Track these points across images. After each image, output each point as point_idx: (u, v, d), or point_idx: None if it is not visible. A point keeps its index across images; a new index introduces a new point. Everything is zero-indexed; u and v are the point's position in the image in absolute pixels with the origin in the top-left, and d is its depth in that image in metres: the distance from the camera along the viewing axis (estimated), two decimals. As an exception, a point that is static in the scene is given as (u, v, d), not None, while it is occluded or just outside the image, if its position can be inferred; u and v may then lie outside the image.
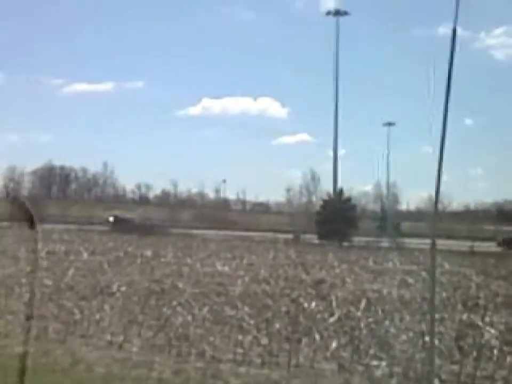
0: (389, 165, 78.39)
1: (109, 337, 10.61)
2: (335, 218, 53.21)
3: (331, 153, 68.80)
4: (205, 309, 12.91)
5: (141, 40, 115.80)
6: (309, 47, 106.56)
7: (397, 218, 68.29)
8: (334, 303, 14.10)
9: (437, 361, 9.42)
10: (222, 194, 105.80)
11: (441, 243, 41.22)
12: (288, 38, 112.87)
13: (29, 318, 11.22)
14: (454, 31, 6.04)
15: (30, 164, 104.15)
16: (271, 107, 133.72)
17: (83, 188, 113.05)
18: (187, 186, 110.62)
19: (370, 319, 12.34)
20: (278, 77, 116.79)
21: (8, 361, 8.74)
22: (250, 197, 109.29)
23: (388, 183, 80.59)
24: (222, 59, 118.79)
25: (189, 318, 11.97)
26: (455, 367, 9.16)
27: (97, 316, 11.95)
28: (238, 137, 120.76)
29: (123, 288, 15.40)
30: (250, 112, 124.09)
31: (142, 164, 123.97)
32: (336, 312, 12.92)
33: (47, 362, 9.05)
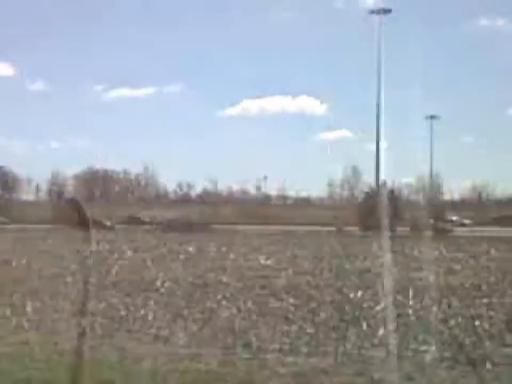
0: (431, 157, 77.68)
1: (154, 331, 10.59)
2: (377, 210, 52.79)
3: (370, 147, 68.39)
4: (250, 302, 12.88)
5: (179, 43, 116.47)
6: (347, 44, 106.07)
7: (442, 208, 67.60)
8: (379, 292, 13.97)
9: (488, 344, 9.26)
10: (263, 191, 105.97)
11: (487, 230, 40.76)
12: (326, 36, 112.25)
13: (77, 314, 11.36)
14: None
15: (73, 168, 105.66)
16: (310, 105, 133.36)
17: (125, 189, 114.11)
18: (228, 184, 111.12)
19: (418, 306, 12.21)
20: (317, 76, 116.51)
21: (57, 357, 8.82)
22: (292, 193, 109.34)
23: (431, 174, 79.93)
24: (260, 60, 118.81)
25: (234, 310, 11.96)
26: (508, 350, 8.95)
27: (142, 312, 11.98)
28: (278, 136, 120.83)
29: (167, 284, 15.47)
30: (289, 111, 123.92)
31: (183, 164, 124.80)
32: (382, 300, 12.79)
33: (95, 357, 9.06)
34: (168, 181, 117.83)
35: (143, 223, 63.25)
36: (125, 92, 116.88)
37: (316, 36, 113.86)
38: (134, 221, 64.51)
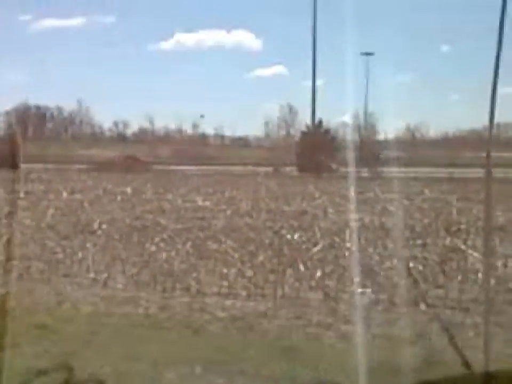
0: (366, 95, 78.12)
1: (92, 275, 10.53)
2: (314, 150, 53.10)
3: (307, 84, 68.24)
4: (188, 244, 12.89)
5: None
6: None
7: (376, 148, 68.27)
8: (317, 234, 14.14)
9: (422, 286, 9.49)
10: (200, 130, 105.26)
11: (422, 171, 41.41)
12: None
13: (9, 259, 11.18)
14: None
15: (2, 104, 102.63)
16: (245, 39, 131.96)
17: (59, 127, 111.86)
18: (165, 122, 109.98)
19: (354, 248, 12.39)
20: (251, 8, 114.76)
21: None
22: (229, 132, 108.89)
23: (366, 113, 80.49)
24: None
25: (173, 253, 11.96)
26: (441, 291, 9.19)
27: (80, 255, 11.87)
28: (213, 71, 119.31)
29: (104, 226, 15.34)
30: (225, 45, 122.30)
31: (118, 101, 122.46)
32: (319, 242, 12.95)
33: (31, 302, 8.97)
34: (104, 120, 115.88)
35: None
36: (52, 22, 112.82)
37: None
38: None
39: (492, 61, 6.25)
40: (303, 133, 61.81)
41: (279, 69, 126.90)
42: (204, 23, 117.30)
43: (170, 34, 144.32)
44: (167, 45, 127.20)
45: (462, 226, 14.75)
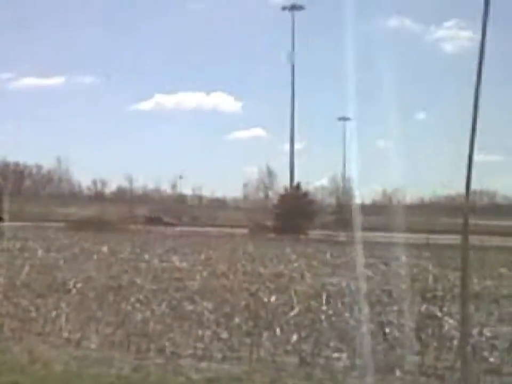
0: (344, 160, 79.04)
1: (66, 334, 10.40)
2: (292, 213, 53.29)
3: (285, 147, 69.01)
4: (164, 305, 12.81)
5: (90, 32, 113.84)
6: (262, 41, 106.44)
7: (353, 212, 68.58)
8: (293, 297, 14.10)
9: (398, 352, 9.47)
10: (178, 190, 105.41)
11: (398, 236, 41.59)
12: (242, 31, 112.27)
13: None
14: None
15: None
16: (224, 102, 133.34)
17: (38, 184, 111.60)
18: (143, 182, 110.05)
19: (330, 312, 12.37)
20: (231, 72, 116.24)
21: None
22: (207, 193, 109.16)
23: (343, 177, 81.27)
24: (172, 53, 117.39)
25: (148, 314, 11.86)
26: (417, 358, 9.17)
27: (54, 313, 11.74)
28: (192, 133, 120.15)
29: (79, 285, 15.21)
30: (203, 107, 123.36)
31: (97, 160, 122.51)
32: (296, 305, 12.91)
33: (3, 361, 8.84)
34: (82, 178, 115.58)
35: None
36: (32, 81, 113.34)
37: (231, 30, 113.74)
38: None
39: (467, 129, 6.41)
40: (281, 196, 62.01)
41: (257, 131, 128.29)
42: (183, 85, 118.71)
43: (150, 95, 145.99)
44: (146, 105, 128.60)
45: (438, 293, 14.80)
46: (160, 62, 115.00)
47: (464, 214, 6.85)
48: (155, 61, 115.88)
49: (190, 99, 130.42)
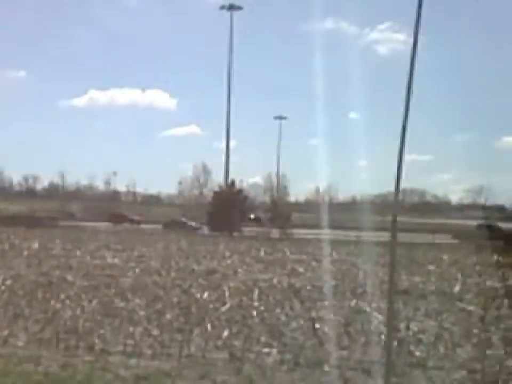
0: (279, 158, 79.53)
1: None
2: (226, 210, 53.40)
3: (220, 145, 69.24)
4: (94, 302, 12.67)
5: (24, 28, 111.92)
6: (199, 39, 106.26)
7: (287, 210, 69.10)
8: (226, 293, 14.12)
9: (327, 347, 9.60)
10: (112, 187, 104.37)
11: (330, 233, 42.03)
12: (178, 29, 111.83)
13: None
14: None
15: None
16: (159, 99, 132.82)
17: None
18: (76, 178, 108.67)
19: (262, 308, 12.44)
20: (167, 69, 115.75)
21: None
22: (141, 189, 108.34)
23: (278, 175, 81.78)
24: (107, 49, 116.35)
25: (78, 311, 11.72)
26: (345, 353, 9.32)
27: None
28: (127, 129, 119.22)
29: (8, 282, 14.92)
30: (139, 104, 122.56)
31: (29, 156, 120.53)
32: (228, 301, 12.94)
33: None
34: (13, 174, 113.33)
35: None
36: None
37: (167, 27, 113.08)
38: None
39: (398, 129, 6.53)
40: (216, 193, 62.08)
41: (193, 129, 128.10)
42: (118, 81, 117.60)
43: (84, 91, 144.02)
44: (80, 101, 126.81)
45: (368, 289, 15.01)
46: (95, 58, 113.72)
47: (392, 212, 6.99)
48: (89, 56, 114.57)
49: (124, 95, 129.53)
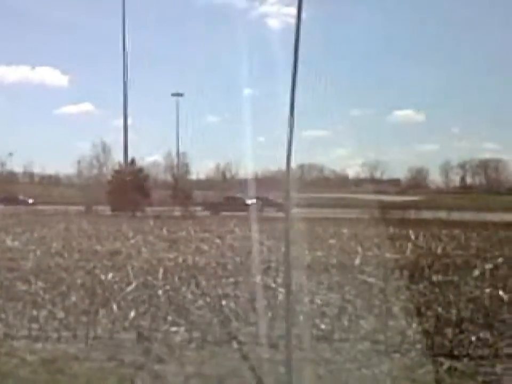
0: (178, 135, 79.06)
1: None
2: (128, 189, 52.82)
3: (116, 123, 68.20)
4: (-5, 286, 12.40)
5: None
6: (90, 12, 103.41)
7: (188, 187, 68.97)
8: (130, 273, 14.06)
9: (234, 324, 9.73)
10: (8, 168, 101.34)
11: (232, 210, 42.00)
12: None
13: None
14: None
15: None
16: (50, 76, 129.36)
17: None
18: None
19: (168, 287, 12.47)
20: (55, 44, 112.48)
21: None
22: (38, 170, 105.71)
23: (178, 153, 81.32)
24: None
25: (-22, 296, 11.44)
26: (252, 328, 9.46)
27: None
28: (18, 109, 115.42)
29: None
30: (29, 81, 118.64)
31: None
32: (133, 281, 12.90)
33: None
34: None
35: None
36: None
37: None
38: None
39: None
40: (116, 172, 61.26)
41: (87, 106, 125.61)
42: (6, 58, 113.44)
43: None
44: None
45: (272, 264, 15.23)
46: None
47: (286, 188, 7.13)
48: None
49: (14, 72, 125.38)
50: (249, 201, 48.60)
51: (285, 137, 6.55)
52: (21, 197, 69.38)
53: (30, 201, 67.34)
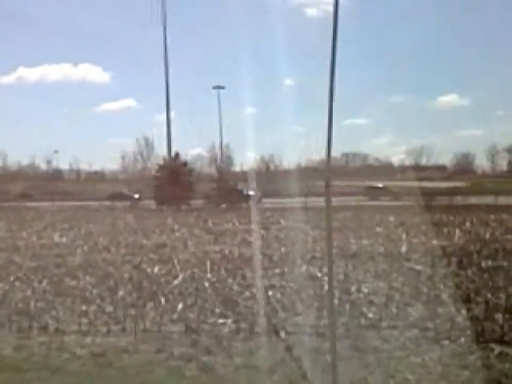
0: (221, 128, 79.21)
1: None
2: (172, 183, 53.04)
3: (158, 117, 68.50)
4: (45, 282, 12.54)
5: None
6: (131, 7, 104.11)
7: (234, 180, 69.04)
8: (177, 266, 14.14)
9: (281, 314, 9.70)
10: (55, 165, 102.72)
11: (277, 201, 42.19)
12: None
13: None
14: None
15: None
16: (92, 73, 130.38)
17: None
18: (16, 159, 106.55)
19: (214, 279, 12.50)
20: (97, 41, 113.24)
21: None
22: (84, 167, 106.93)
23: (221, 146, 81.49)
24: (35, 24, 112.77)
25: (29, 292, 11.60)
26: (299, 318, 9.43)
27: None
28: (61, 107, 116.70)
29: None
30: (70, 79, 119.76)
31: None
32: (179, 274, 12.96)
33: None
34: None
35: None
36: None
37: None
38: None
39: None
40: (160, 166, 61.45)
41: (128, 102, 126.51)
42: (48, 57, 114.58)
43: (12, 69, 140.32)
44: (8, 79, 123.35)
45: (317, 254, 15.17)
46: (23, 34, 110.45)
47: (326, 177, 7.04)
48: (17, 33, 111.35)
49: (55, 71, 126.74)
50: (291, 192, 48.45)
51: (326, 127, 6.46)
52: (125, 192, 67.03)
53: (136, 196, 64.80)
